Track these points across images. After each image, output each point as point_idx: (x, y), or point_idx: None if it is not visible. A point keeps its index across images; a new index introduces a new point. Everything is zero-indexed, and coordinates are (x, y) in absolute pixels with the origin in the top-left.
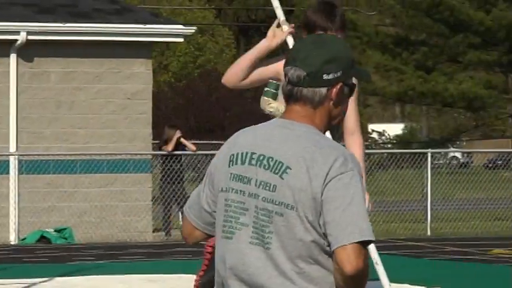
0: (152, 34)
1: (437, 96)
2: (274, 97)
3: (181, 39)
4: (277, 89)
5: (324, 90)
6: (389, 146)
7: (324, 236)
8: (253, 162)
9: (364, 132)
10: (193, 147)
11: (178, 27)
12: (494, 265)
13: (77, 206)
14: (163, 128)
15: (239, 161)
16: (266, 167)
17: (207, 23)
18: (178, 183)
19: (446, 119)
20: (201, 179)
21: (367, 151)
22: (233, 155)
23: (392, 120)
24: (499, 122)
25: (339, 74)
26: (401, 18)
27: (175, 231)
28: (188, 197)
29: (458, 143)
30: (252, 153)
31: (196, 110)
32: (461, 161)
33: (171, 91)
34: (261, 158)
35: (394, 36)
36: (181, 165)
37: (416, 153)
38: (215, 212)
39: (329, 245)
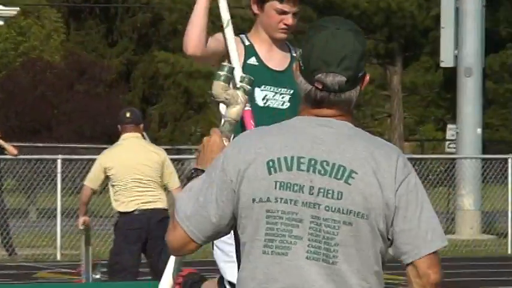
0: None
1: None
2: (228, 81)
3: (0, 22)
4: (231, 72)
5: (358, 88)
6: None
7: (390, 244)
8: (303, 167)
9: None
10: (14, 151)
11: None
12: None
13: None
14: None
15: (284, 167)
16: (322, 172)
17: (31, 4)
18: None
19: None
20: (23, 189)
21: None
22: (273, 160)
23: None
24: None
25: (365, 67)
26: None
27: None
28: (8, 209)
29: None
30: (300, 158)
31: (18, 106)
32: None
33: None
34: (313, 162)
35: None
36: None
37: None
38: (222, 224)
39: (392, 254)
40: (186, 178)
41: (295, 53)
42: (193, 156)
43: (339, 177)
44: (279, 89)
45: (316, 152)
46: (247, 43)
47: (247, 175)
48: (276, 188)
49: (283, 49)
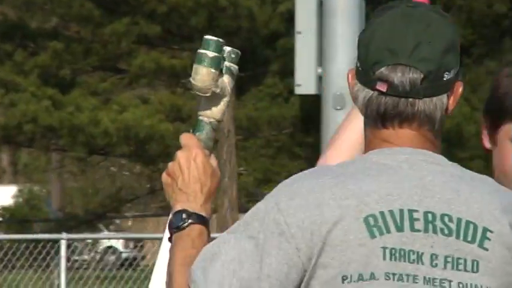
0: None
1: (78, 133)
2: (219, 64)
3: None
4: (220, 50)
5: (445, 98)
6: None
7: None
8: (419, 225)
9: None
10: None
11: None
12: None
13: None
14: None
15: (392, 226)
16: (446, 232)
17: None
18: None
19: (101, 175)
20: None
21: None
22: (374, 216)
23: None
24: None
25: (457, 69)
26: None
27: None
28: None
29: (118, 222)
30: (411, 211)
31: None
32: (125, 255)
33: None
34: (429, 216)
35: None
36: None
37: (38, 241)
38: None
39: None
40: (174, 229)
41: None
42: None
43: (469, 239)
44: None
45: (430, 202)
46: None
47: (331, 240)
48: (384, 258)
49: None
